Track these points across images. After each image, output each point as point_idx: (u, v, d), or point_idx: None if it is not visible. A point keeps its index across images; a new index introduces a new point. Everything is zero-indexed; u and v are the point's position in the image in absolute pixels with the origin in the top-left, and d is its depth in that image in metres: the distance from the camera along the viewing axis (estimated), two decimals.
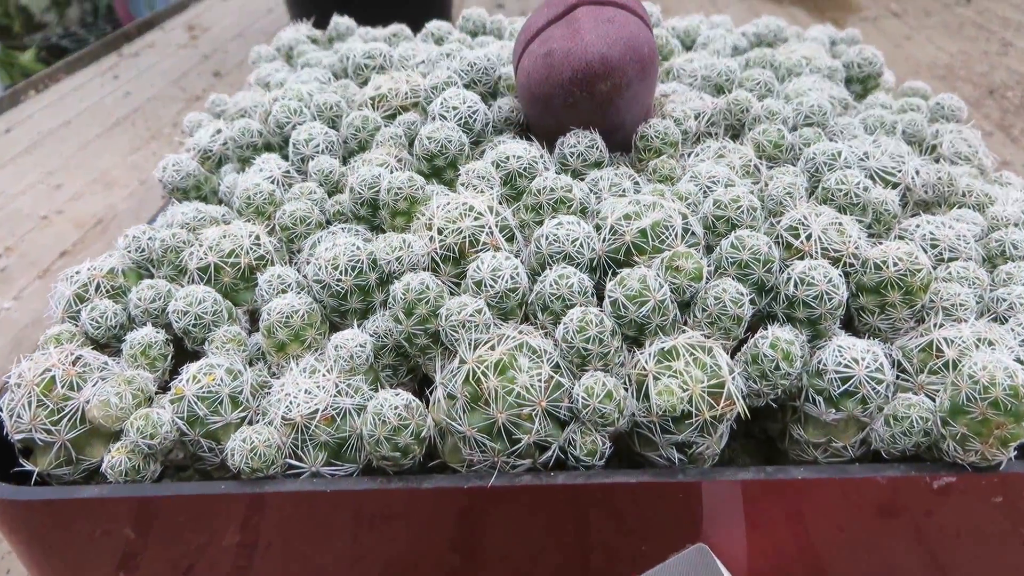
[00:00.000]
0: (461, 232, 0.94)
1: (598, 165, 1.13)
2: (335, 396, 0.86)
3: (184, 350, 1.00)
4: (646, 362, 0.83)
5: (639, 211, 0.93)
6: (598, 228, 0.95)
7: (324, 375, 0.88)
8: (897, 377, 0.89)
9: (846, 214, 0.99)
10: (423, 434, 0.84)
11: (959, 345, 0.86)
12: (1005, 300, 0.95)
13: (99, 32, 4.65)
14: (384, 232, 1.07)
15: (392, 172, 1.10)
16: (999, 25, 3.90)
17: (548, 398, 0.82)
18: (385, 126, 1.26)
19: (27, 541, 0.90)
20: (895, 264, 0.90)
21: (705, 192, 1.04)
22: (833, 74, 1.45)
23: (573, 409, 0.83)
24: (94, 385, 0.91)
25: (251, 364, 0.97)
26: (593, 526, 0.86)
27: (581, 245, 0.91)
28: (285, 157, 1.27)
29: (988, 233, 1.09)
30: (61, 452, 0.89)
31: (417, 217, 1.02)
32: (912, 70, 3.37)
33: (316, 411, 0.85)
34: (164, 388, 0.95)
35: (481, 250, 0.94)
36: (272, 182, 1.20)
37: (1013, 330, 0.91)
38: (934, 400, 0.84)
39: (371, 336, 0.93)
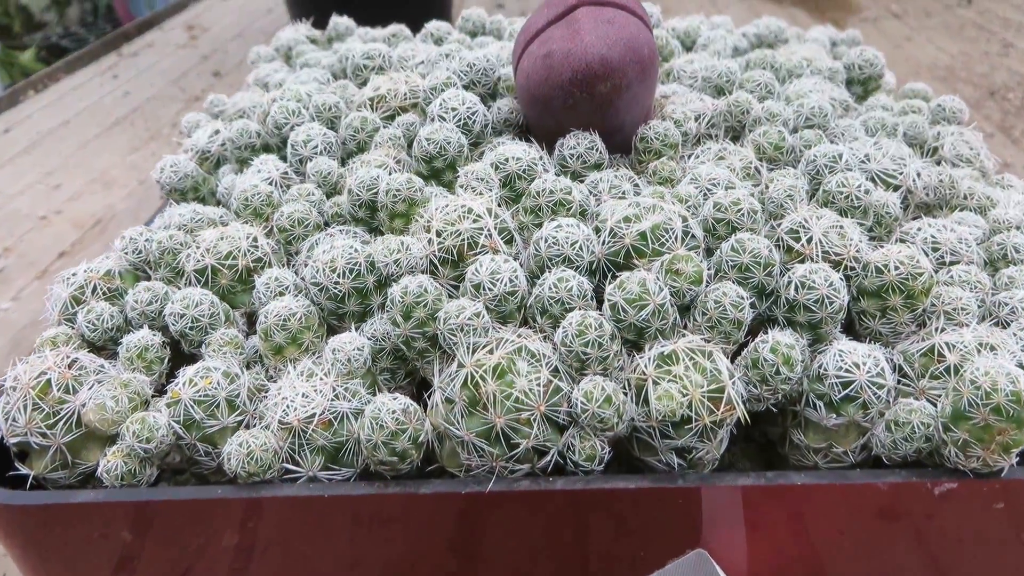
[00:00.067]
0: (460, 234, 0.94)
1: (598, 167, 1.13)
2: (332, 400, 0.85)
3: (181, 353, 0.99)
4: (646, 366, 0.83)
5: (639, 214, 0.92)
6: (597, 231, 0.94)
7: (321, 379, 0.88)
8: (898, 382, 0.88)
9: (847, 217, 0.99)
10: (421, 439, 0.84)
11: (961, 350, 0.86)
12: (1007, 304, 0.95)
13: (99, 32, 4.65)
14: (382, 234, 1.07)
15: (391, 174, 1.09)
16: (1000, 26, 3.90)
17: (547, 402, 0.81)
18: (384, 127, 1.25)
19: (23, 545, 0.90)
20: (896, 268, 0.89)
21: (705, 194, 1.04)
22: (834, 76, 1.45)
23: (572, 414, 0.82)
24: (90, 388, 0.90)
25: (248, 367, 0.96)
26: (592, 532, 0.85)
27: (580, 248, 0.91)
28: (283, 158, 1.27)
29: (990, 236, 1.09)
30: (57, 456, 0.89)
31: (415, 219, 1.01)
32: (913, 71, 3.37)
33: (313, 415, 0.84)
34: (161, 391, 0.94)
35: (480, 253, 0.94)
36: (270, 183, 1.19)
37: (1015, 334, 0.90)
38: (935, 405, 0.83)
39: (369, 339, 0.93)
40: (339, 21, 1.78)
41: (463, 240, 0.94)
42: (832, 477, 0.83)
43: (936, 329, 0.90)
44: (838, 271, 0.90)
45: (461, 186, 1.06)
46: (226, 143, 1.34)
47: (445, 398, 0.85)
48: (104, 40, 4.11)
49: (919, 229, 1.02)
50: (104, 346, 1.01)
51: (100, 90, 3.59)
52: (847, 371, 0.83)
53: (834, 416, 0.85)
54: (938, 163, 1.26)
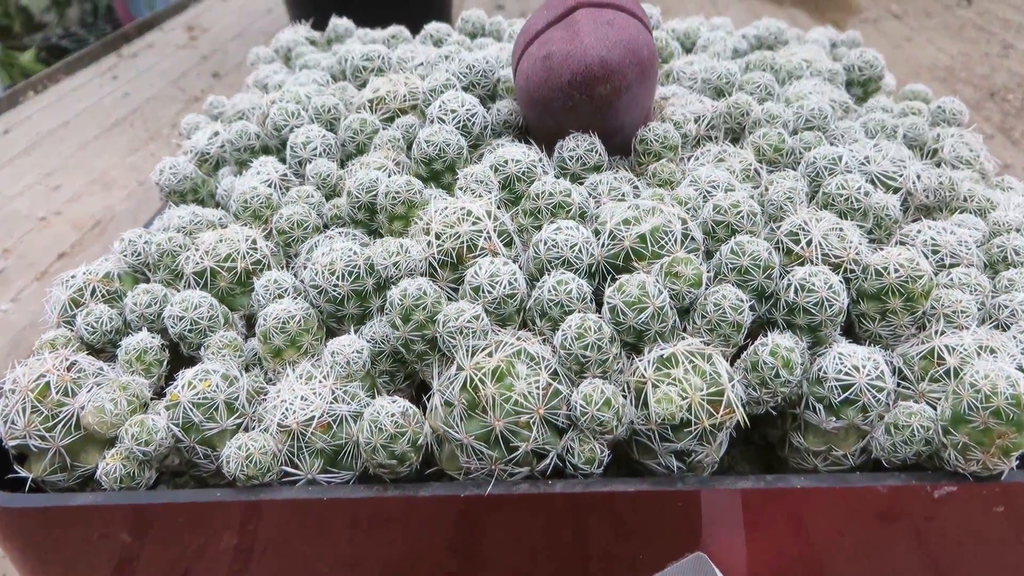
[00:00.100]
0: (459, 237, 0.94)
1: (597, 169, 1.12)
2: (331, 403, 0.85)
3: (180, 355, 0.99)
4: (645, 369, 0.83)
5: (638, 216, 0.92)
6: (597, 233, 0.94)
7: (320, 381, 0.88)
8: (898, 385, 0.88)
9: (847, 219, 0.99)
10: (420, 442, 0.84)
11: (960, 353, 0.86)
12: (1007, 307, 0.94)
13: (99, 32, 4.65)
14: (382, 236, 1.06)
15: (390, 176, 1.09)
16: (1000, 27, 3.90)
17: (546, 406, 0.81)
18: (383, 129, 1.25)
19: (21, 548, 0.90)
20: (896, 270, 0.89)
21: (705, 197, 1.04)
22: (834, 77, 1.45)
23: (571, 417, 0.82)
24: (89, 391, 0.90)
25: (247, 369, 0.96)
26: (591, 534, 0.85)
27: (580, 250, 0.91)
28: (283, 160, 1.27)
29: (990, 238, 1.08)
30: (56, 458, 0.89)
31: (415, 222, 1.01)
32: (913, 72, 3.37)
33: (312, 418, 0.84)
34: (160, 394, 0.94)
35: (479, 255, 0.94)
36: (269, 185, 1.19)
37: (1015, 337, 0.90)
38: (935, 408, 0.83)
39: (368, 342, 0.93)
40: (338, 22, 1.78)
41: (462, 242, 0.94)
42: (831, 480, 0.83)
43: (936, 332, 0.90)
44: (838, 274, 0.90)
45: (460, 188, 1.06)
46: (225, 145, 1.34)
47: (444, 401, 0.84)
48: (104, 41, 4.11)
49: (919, 231, 1.02)
50: (103, 348, 1.01)
51: (100, 91, 3.59)
52: (847, 374, 0.83)
53: (834, 419, 0.85)
54: (938, 165, 1.25)
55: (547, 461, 0.83)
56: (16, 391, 0.88)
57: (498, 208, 1.00)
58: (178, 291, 1.02)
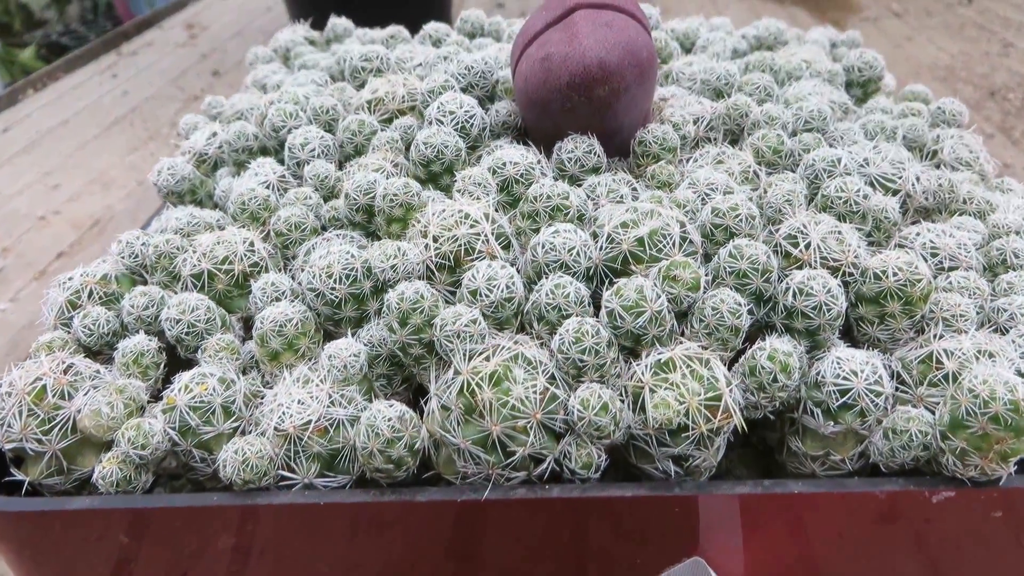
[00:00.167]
0: (457, 240, 0.93)
1: (596, 171, 1.12)
2: (328, 406, 0.85)
3: (177, 358, 0.99)
4: (642, 374, 0.83)
5: (636, 219, 0.92)
6: (595, 236, 0.94)
7: (317, 385, 0.87)
8: (896, 389, 0.88)
9: (845, 222, 0.98)
10: (417, 446, 0.83)
11: (959, 357, 0.86)
12: (1006, 310, 0.94)
13: (99, 29, 4.65)
14: (380, 238, 1.06)
15: (388, 178, 1.09)
16: (1000, 26, 3.89)
17: (543, 410, 0.81)
18: (381, 130, 1.25)
19: (17, 551, 0.89)
20: (895, 274, 0.89)
21: (703, 199, 1.03)
22: (833, 78, 1.44)
23: (568, 421, 0.82)
24: (85, 394, 0.90)
25: (245, 373, 0.96)
26: (588, 539, 0.85)
27: (578, 254, 0.90)
28: (281, 161, 1.26)
29: (989, 241, 1.08)
30: (52, 462, 0.88)
31: (413, 224, 1.01)
32: (913, 71, 3.36)
33: (309, 422, 0.84)
34: (157, 397, 0.94)
35: (477, 258, 0.93)
36: (267, 187, 1.19)
37: (1014, 341, 0.90)
38: (933, 413, 0.83)
39: (365, 345, 0.92)
40: (337, 22, 1.77)
41: (460, 245, 0.93)
42: (829, 485, 0.82)
43: (935, 336, 0.90)
44: (836, 277, 0.90)
45: (458, 191, 1.06)
46: (223, 146, 1.34)
47: (441, 405, 0.84)
48: (103, 39, 4.11)
49: (918, 234, 1.02)
50: (100, 351, 1.01)
51: (99, 89, 3.58)
52: (845, 379, 0.83)
53: (832, 424, 0.84)
54: (937, 166, 1.25)
55: (544, 466, 0.83)
56: (12, 394, 0.88)
57: (496, 211, 1.00)
58: (175, 293, 1.02)
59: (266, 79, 1.58)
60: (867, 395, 0.83)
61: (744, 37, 1.67)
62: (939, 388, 0.85)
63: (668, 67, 1.44)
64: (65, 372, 0.91)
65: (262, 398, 0.91)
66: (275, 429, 0.84)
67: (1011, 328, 0.93)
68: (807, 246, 0.92)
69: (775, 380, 0.82)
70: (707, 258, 0.96)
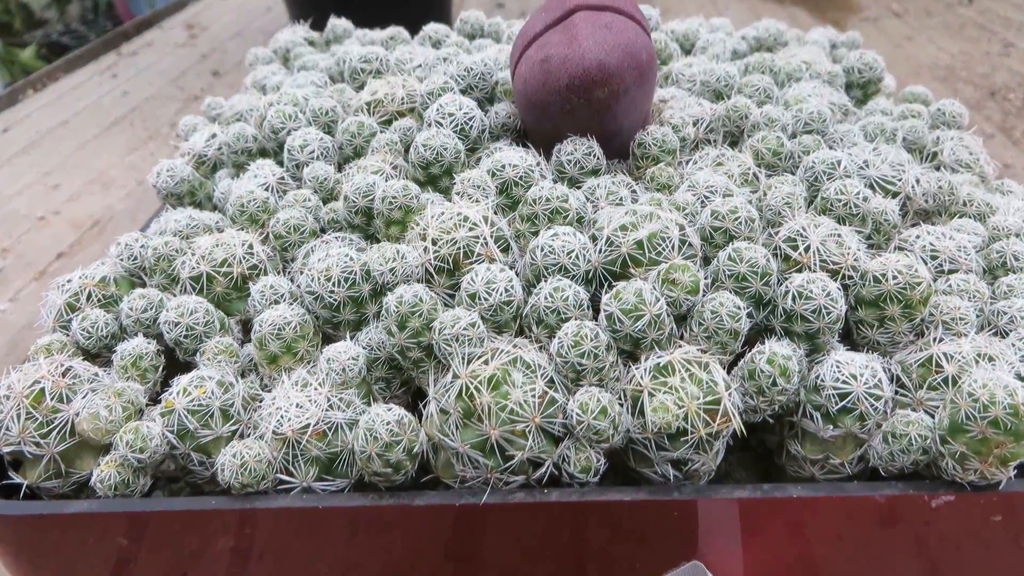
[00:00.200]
0: (455, 243, 0.93)
1: (595, 173, 1.12)
2: (327, 410, 0.85)
3: (176, 361, 0.99)
4: (641, 377, 0.82)
5: (635, 222, 0.92)
6: (594, 239, 0.94)
7: (316, 388, 0.87)
8: (896, 392, 0.88)
9: (845, 224, 0.98)
10: (415, 450, 0.83)
11: (959, 361, 0.85)
12: (1006, 313, 0.94)
13: (99, 29, 4.65)
14: (379, 241, 1.06)
15: (387, 180, 1.09)
16: (1001, 26, 3.89)
17: (542, 414, 0.81)
18: (381, 132, 1.25)
19: (15, 553, 0.89)
20: (894, 277, 0.89)
21: (703, 202, 1.03)
22: (833, 79, 1.44)
23: (567, 425, 0.82)
24: (84, 397, 0.90)
25: (243, 375, 0.96)
26: (587, 543, 0.85)
27: (577, 257, 0.90)
28: (280, 163, 1.26)
29: (989, 244, 1.08)
30: (50, 465, 0.88)
31: (412, 227, 1.00)
32: (913, 71, 3.36)
33: (307, 425, 0.84)
34: (155, 400, 0.94)
35: (476, 261, 0.93)
36: (266, 189, 1.19)
37: (1014, 345, 0.90)
38: (933, 417, 0.83)
39: (364, 349, 0.92)
40: (337, 23, 1.77)
41: (459, 249, 0.93)
42: (829, 489, 0.82)
43: (934, 339, 0.89)
44: (836, 280, 0.90)
45: (457, 193, 1.05)
46: (223, 147, 1.34)
47: (440, 409, 0.84)
48: (103, 39, 4.10)
49: (918, 237, 1.01)
50: (99, 353, 1.01)
51: (99, 89, 3.58)
52: (844, 382, 0.83)
53: (831, 428, 0.84)
54: (937, 168, 1.25)
55: (543, 470, 0.83)
56: (11, 397, 0.88)
57: (495, 213, 1.00)
58: (174, 296, 1.02)
59: (265, 80, 1.58)
60: (867, 399, 0.82)
61: (744, 38, 1.67)
62: (939, 392, 0.85)
63: (668, 68, 1.44)
64: (63, 375, 0.90)
65: (260, 401, 0.91)
66: (273, 433, 0.84)
67: (1011, 331, 0.93)
68: (807, 249, 0.92)
69: (774, 384, 0.82)
70: (706, 261, 0.96)
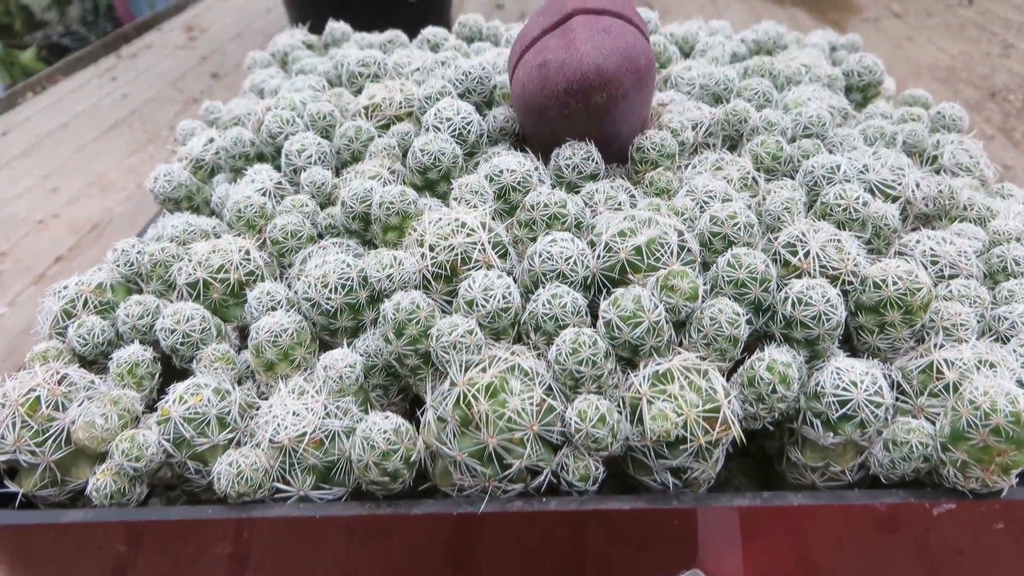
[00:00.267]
0: (453, 249, 0.93)
1: (594, 177, 1.11)
2: (324, 418, 0.84)
3: (172, 368, 0.98)
4: (640, 385, 0.82)
5: (634, 227, 0.91)
6: (592, 245, 0.93)
7: (313, 396, 0.87)
8: (897, 399, 0.87)
9: (845, 229, 0.98)
10: (412, 458, 0.83)
11: (960, 367, 0.85)
12: (1007, 319, 0.93)
13: (100, 31, 4.64)
14: (376, 246, 1.05)
15: (384, 185, 1.08)
16: (1001, 27, 3.88)
17: (540, 422, 0.80)
18: (378, 136, 1.24)
19: (10, 562, 0.89)
20: (895, 283, 0.88)
21: (702, 207, 1.03)
22: (832, 83, 1.43)
23: (566, 433, 0.81)
24: (79, 405, 0.89)
25: (240, 382, 0.95)
26: (585, 552, 0.84)
27: (575, 263, 0.90)
28: (278, 168, 1.26)
29: (989, 248, 1.07)
30: (46, 473, 0.88)
31: (409, 232, 1.00)
32: (913, 71, 3.35)
33: (304, 434, 0.83)
34: (152, 407, 0.93)
35: (473, 268, 0.93)
36: (264, 194, 1.18)
37: (1015, 351, 0.89)
38: (934, 424, 0.82)
39: (361, 356, 0.92)
40: (336, 26, 1.77)
41: (456, 255, 0.93)
42: (829, 497, 0.82)
43: (935, 345, 0.89)
44: (836, 286, 0.89)
45: (455, 199, 1.05)
46: (220, 152, 1.33)
47: (437, 417, 0.84)
48: (103, 42, 4.10)
49: (918, 241, 1.01)
50: (95, 360, 1.00)
51: (98, 92, 3.58)
52: (844, 390, 0.82)
53: (831, 435, 0.84)
54: (937, 172, 1.24)
55: (541, 478, 0.82)
56: (6, 405, 0.87)
57: (493, 219, 0.99)
58: (171, 302, 1.01)
59: (264, 84, 1.57)
60: (867, 406, 0.82)
61: (743, 41, 1.66)
62: (940, 399, 0.84)
63: (667, 72, 1.43)
64: (59, 383, 0.90)
65: (257, 409, 0.90)
66: (270, 441, 0.84)
67: (1012, 337, 0.92)
68: (806, 254, 0.91)
69: (774, 391, 0.82)
70: (705, 267, 0.95)
